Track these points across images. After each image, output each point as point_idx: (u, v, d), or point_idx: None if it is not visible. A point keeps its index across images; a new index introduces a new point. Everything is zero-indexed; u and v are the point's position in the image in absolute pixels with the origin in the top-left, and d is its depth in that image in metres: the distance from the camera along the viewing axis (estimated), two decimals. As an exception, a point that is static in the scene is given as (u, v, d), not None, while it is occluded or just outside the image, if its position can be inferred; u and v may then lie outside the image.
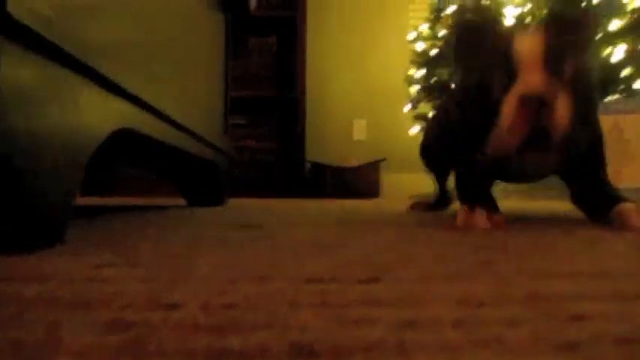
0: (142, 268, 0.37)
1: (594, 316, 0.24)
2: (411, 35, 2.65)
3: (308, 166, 3.00)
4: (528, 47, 0.62)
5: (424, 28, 2.60)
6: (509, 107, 0.61)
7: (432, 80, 2.52)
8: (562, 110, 0.59)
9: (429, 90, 2.55)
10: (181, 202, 1.64)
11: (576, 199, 0.82)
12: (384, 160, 2.97)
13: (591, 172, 0.79)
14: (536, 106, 0.59)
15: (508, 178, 0.90)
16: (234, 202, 1.77)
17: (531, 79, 0.60)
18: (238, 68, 2.90)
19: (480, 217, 0.70)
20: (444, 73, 2.48)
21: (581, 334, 0.22)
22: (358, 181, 2.91)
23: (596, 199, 0.77)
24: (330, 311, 0.25)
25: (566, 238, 0.59)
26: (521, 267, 0.38)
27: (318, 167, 2.95)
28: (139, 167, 1.50)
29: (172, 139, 0.94)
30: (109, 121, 0.58)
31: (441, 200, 1.27)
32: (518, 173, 0.83)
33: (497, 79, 0.63)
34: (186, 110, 1.03)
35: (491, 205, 0.77)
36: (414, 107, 2.64)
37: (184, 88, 1.05)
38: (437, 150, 1.13)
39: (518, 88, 0.60)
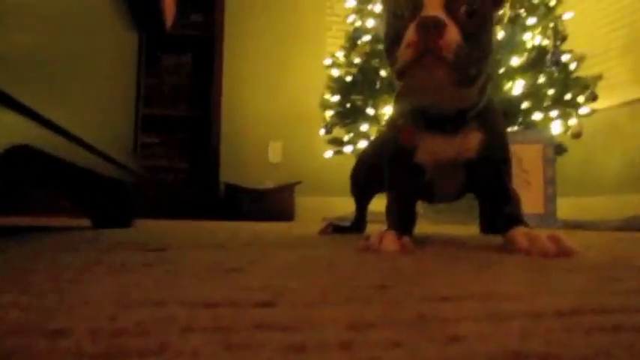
0: (31, 293, 0.35)
1: (470, 337, 0.26)
2: (328, 61, 2.71)
3: (222, 187, 2.96)
4: None
5: (340, 55, 2.67)
6: (410, 30, 0.71)
7: (347, 106, 2.59)
8: (451, 34, 0.70)
9: (344, 115, 2.61)
10: (87, 222, 1.57)
11: (481, 215, 0.88)
12: (299, 183, 2.99)
13: (496, 188, 0.87)
14: (429, 28, 0.69)
15: (428, 193, 0.97)
16: (142, 224, 1.71)
17: (429, 11, 0.72)
18: (152, 86, 2.84)
19: (390, 240, 0.75)
20: (358, 99, 2.55)
21: (454, 354, 0.23)
22: (273, 203, 2.91)
23: (495, 218, 0.85)
24: (221, 336, 0.25)
25: (462, 261, 0.63)
26: (413, 290, 0.39)
27: (233, 189, 2.92)
28: (42, 186, 1.42)
29: (76, 157, 0.90)
30: (2, 137, 0.55)
31: (357, 224, 1.31)
32: (436, 185, 0.92)
33: (407, 13, 0.75)
34: (92, 127, 1.00)
35: (405, 228, 0.84)
36: (329, 132, 2.70)
37: (91, 105, 1.01)
38: (367, 169, 1.23)
39: (419, 18, 0.71)
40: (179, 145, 2.97)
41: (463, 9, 0.73)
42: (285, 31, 3.31)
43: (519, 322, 0.29)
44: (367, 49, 2.52)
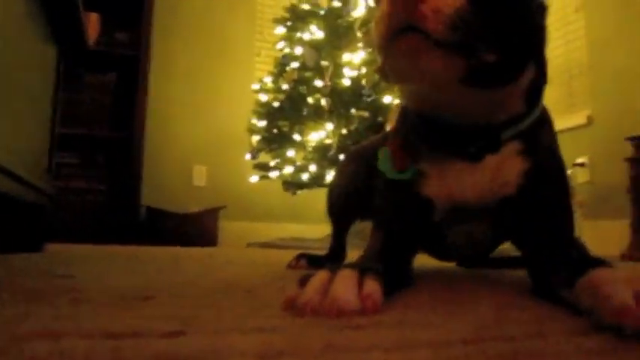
0: None
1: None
2: (256, 86, 2.72)
3: (144, 210, 2.87)
4: None
5: (268, 80, 2.68)
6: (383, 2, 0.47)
7: (274, 131, 2.60)
8: None
9: (270, 140, 2.61)
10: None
11: (531, 275, 0.58)
12: (223, 207, 2.95)
13: (552, 238, 0.57)
14: None
15: (437, 245, 0.69)
16: (55, 248, 1.62)
17: None
18: (72, 104, 2.73)
19: (344, 285, 0.41)
20: (285, 125, 2.57)
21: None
22: (196, 228, 2.85)
23: (551, 275, 0.51)
24: (120, 369, 0.24)
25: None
26: (326, 319, 0.39)
27: (155, 212, 2.84)
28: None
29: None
30: None
31: (334, 253, 1.05)
32: (451, 234, 0.62)
33: None
34: (-1, 146, 0.94)
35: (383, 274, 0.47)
36: (255, 156, 2.69)
37: None
38: (351, 185, 0.95)
39: None
40: (99, 166, 2.86)
41: None
42: (214, 53, 3.29)
43: (426, 351, 0.30)
44: (295, 75, 2.55)
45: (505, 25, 0.47)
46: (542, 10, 0.54)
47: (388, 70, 0.50)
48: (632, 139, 2.08)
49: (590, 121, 2.66)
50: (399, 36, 0.45)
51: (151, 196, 2.96)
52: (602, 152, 2.55)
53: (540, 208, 0.57)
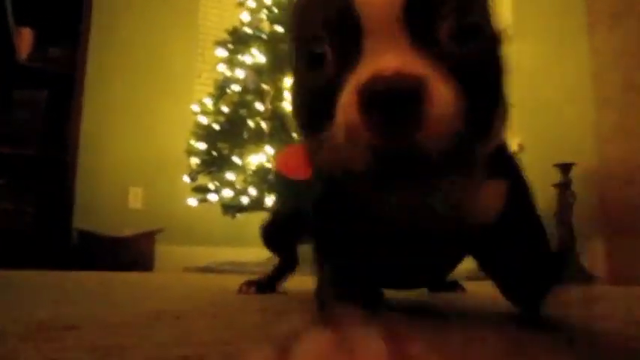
0: None
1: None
2: (195, 108, 2.69)
3: (75, 234, 2.76)
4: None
5: (208, 102, 2.66)
6: (347, 104, 0.34)
7: (213, 153, 2.57)
8: (438, 109, 0.33)
9: (209, 163, 2.58)
10: None
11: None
12: (161, 230, 2.87)
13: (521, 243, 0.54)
14: (392, 104, 0.32)
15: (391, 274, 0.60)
16: (-26, 274, 1.53)
17: (381, 54, 0.34)
18: (0, 122, 2.61)
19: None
20: (224, 147, 2.54)
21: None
22: (131, 252, 2.76)
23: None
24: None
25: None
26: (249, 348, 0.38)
27: (88, 236, 2.73)
28: None
29: None
30: None
31: (284, 267, 0.99)
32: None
33: (332, 51, 0.38)
34: None
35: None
36: (194, 179, 2.65)
37: None
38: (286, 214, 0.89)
39: (361, 72, 0.34)
40: (29, 187, 2.73)
41: (447, 26, 0.36)
42: (153, 73, 3.23)
43: None
44: (236, 98, 2.54)
45: (489, 109, 0.39)
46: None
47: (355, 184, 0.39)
48: (560, 165, 2.19)
49: (521, 148, 2.78)
50: (391, 161, 0.35)
51: (83, 218, 2.85)
52: (532, 178, 2.66)
53: (515, 237, 0.54)
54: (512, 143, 2.80)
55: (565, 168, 2.19)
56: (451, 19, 0.36)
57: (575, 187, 2.16)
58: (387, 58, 0.34)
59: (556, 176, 2.21)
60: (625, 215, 1.81)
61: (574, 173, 2.16)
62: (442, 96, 0.33)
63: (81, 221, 2.82)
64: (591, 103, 1.98)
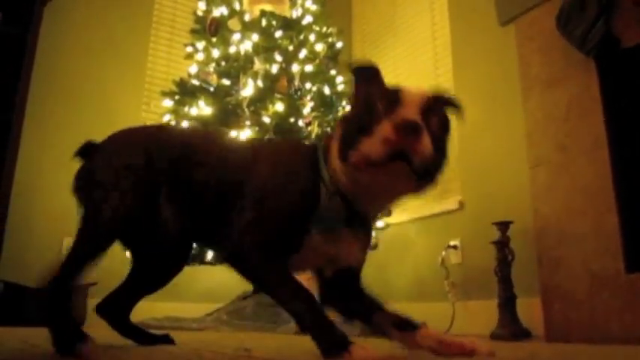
0: None
1: None
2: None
3: (1, 286, 2.59)
4: (412, 93, 0.77)
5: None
6: (386, 126, 0.71)
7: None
8: (427, 142, 0.71)
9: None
10: None
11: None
12: (94, 284, 2.74)
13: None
14: (409, 131, 0.69)
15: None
16: None
17: (409, 113, 0.72)
18: None
19: None
20: (166, 199, 2.48)
21: None
22: (62, 306, 2.61)
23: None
24: None
25: None
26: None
27: (14, 289, 2.57)
28: None
29: None
30: None
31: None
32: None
33: (383, 107, 0.75)
34: None
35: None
36: (132, 230, 2.56)
37: None
38: None
39: (398, 114, 0.72)
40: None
41: (435, 119, 0.76)
42: (95, 121, 3.12)
43: None
44: (180, 149, 2.51)
45: (443, 164, 0.79)
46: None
47: (369, 173, 0.75)
48: (498, 223, 2.25)
49: (461, 205, 2.84)
50: (394, 160, 0.70)
51: (12, 270, 2.69)
52: (472, 235, 2.72)
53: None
54: (454, 201, 2.87)
55: (503, 226, 2.25)
56: (438, 115, 0.78)
57: (514, 244, 2.21)
58: (411, 113, 0.74)
59: (495, 234, 2.26)
60: (555, 274, 1.87)
61: (512, 231, 2.22)
62: (428, 139, 0.72)
63: (8, 273, 2.66)
64: (526, 163, 2.07)
